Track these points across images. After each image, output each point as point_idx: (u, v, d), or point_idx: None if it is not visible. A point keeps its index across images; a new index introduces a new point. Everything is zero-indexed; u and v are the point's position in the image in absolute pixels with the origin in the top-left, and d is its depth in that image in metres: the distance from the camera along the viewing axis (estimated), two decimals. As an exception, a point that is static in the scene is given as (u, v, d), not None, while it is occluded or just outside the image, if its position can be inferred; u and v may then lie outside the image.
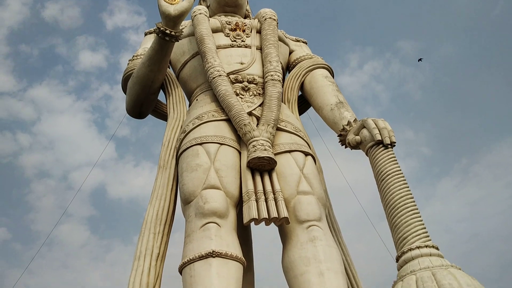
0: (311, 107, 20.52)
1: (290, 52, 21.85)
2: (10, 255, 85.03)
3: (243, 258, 20.16)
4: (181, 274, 19.38)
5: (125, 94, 21.02)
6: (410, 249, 15.90)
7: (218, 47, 18.97)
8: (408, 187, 17.21)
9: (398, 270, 17.39)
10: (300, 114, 20.12)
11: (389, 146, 16.29)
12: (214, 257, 17.81)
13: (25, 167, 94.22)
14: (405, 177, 17.53)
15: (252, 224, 20.58)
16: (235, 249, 19.11)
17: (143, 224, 20.35)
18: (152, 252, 19.09)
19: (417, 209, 16.84)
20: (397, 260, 17.71)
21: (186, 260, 18.94)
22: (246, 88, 18.05)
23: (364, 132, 16.36)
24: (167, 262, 21.27)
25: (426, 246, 15.54)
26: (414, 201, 16.92)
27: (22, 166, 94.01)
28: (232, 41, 19.49)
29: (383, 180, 16.36)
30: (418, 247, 15.48)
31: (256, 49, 19.42)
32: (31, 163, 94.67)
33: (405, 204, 16.43)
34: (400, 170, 17.26)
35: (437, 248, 15.88)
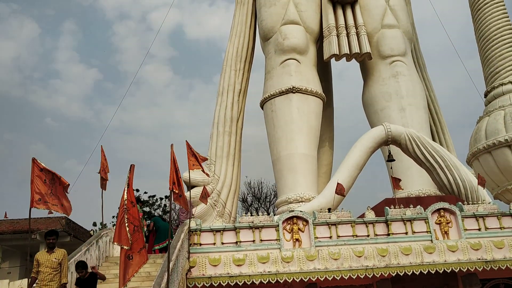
0: None
1: None
2: (104, 94, 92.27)
3: (323, 94, 20.50)
4: (262, 109, 20.33)
5: None
6: (502, 84, 15.01)
7: None
8: (508, 17, 15.64)
9: (486, 105, 16.83)
10: None
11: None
12: (294, 92, 18.34)
13: (105, 9, 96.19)
14: (505, 6, 15.89)
15: (333, 60, 20.41)
16: (315, 85, 19.37)
17: (224, 61, 20.95)
18: (234, 88, 19.95)
19: (515, 41, 15.53)
20: (485, 96, 17.01)
21: (267, 96, 19.71)
22: None
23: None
24: (248, 98, 22.22)
25: (521, 81, 14.66)
26: (512, 33, 15.54)
27: (102, 8, 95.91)
28: None
29: (479, 8, 14.87)
30: (511, 82, 14.64)
31: None
32: (111, 4, 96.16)
33: (501, 36, 15.03)
34: (501, -3, 15.59)
35: (532, 82, 14.93)
